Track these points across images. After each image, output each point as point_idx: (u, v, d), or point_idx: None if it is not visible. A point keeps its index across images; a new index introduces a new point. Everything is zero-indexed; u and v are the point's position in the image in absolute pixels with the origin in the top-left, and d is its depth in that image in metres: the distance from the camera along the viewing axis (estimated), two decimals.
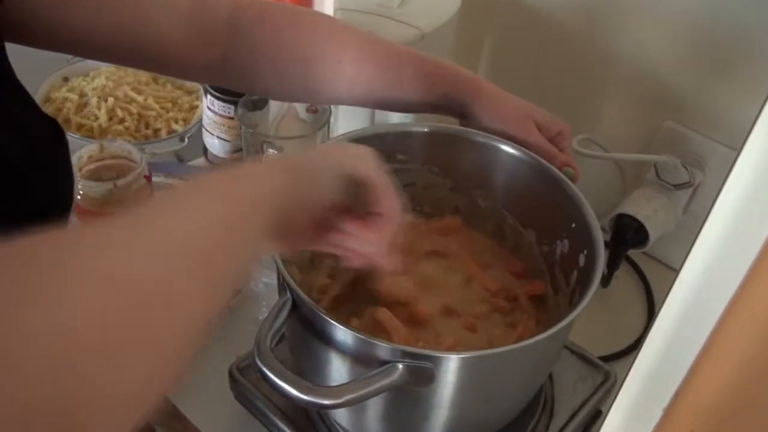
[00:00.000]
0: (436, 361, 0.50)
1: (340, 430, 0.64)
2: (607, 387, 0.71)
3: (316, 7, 1.12)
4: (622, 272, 0.89)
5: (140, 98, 1.11)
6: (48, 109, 1.09)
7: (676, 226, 0.82)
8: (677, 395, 0.28)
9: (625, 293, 0.88)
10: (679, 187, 0.78)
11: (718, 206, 0.25)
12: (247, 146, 0.89)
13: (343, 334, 0.52)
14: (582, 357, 0.73)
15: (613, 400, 0.32)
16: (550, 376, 0.71)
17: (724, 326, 0.26)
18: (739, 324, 0.26)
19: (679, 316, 0.28)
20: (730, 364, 0.26)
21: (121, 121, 1.09)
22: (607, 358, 0.77)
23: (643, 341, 0.83)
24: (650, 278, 0.89)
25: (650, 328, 0.86)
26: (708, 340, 0.26)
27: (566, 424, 0.68)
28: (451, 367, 0.51)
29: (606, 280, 0.84)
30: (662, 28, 0.79)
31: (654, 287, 0.88)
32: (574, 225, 0.63)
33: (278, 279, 0.60)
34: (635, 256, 0.90)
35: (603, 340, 0.80)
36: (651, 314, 0.85)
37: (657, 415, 0.30)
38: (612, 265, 0.81)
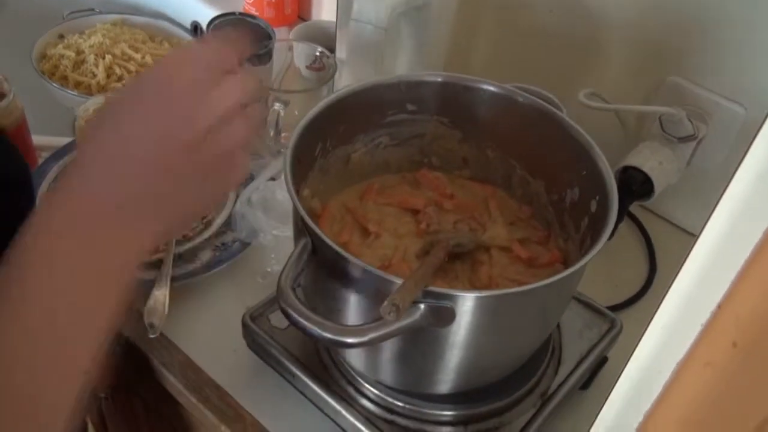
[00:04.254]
0: (455, 300, 0.51)
1: (353, 373, 0.65)
2: (612, 334, 0.72)
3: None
4: (624, 227, 0.90)
5: (138, 56, 1.10)
6: (44, 66, 1.08)
7: (679, 180, 0.83)
8: (720, 307, 0.29)
9: (626, 247, 0.89)
10: (683, 140, 0.79)
11: None
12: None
13: (364, 273, 0.52)
14: (588, 305, 0.74)
15: (650, 321, 0.33)
16: (558, 325, 0.72)
17: None
18: None
19: (724, 232, 0.28)
20: None
21: (120, 78, 1.08)
22: (610, 309, 0.79)
23: (646, 292, 0.84)
24: (651, 233, 0.90)
25: (652, 281, 0.87)
26: (754, 250, 0.27)
27: (574, 370, 0.69)
28: (469, 306, 0.52)
29: (610, 233, 0.85)
30: None
31: (655, 242, 0.89)
32: (584, 172, 0.64)
33: (295, 224, 0.61)
34: (637, 211, 0.91)
35: (606, 292, 0.82)
36: (652, 268, 0.87)
37: (696, 330, 0.31)
38: (618, 216, 0.81)
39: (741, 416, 0.31)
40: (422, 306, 0.51)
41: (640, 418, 0.34)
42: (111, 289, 0.42)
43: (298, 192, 0.65)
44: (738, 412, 0.31)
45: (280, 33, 1.06)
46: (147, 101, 0.44)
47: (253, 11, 1.13)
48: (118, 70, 1.08)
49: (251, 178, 0.87)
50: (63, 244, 0.40)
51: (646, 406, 0.34)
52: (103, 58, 1.08)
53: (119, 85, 1.06)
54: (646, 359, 0.33)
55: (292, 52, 0.94)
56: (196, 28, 1.21)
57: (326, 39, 0.96)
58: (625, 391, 0.34)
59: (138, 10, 1.24)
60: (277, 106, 0.83)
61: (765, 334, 0.28)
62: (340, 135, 0.69)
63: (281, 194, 0.82)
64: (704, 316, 0.30)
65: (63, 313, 0.39)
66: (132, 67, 1.09)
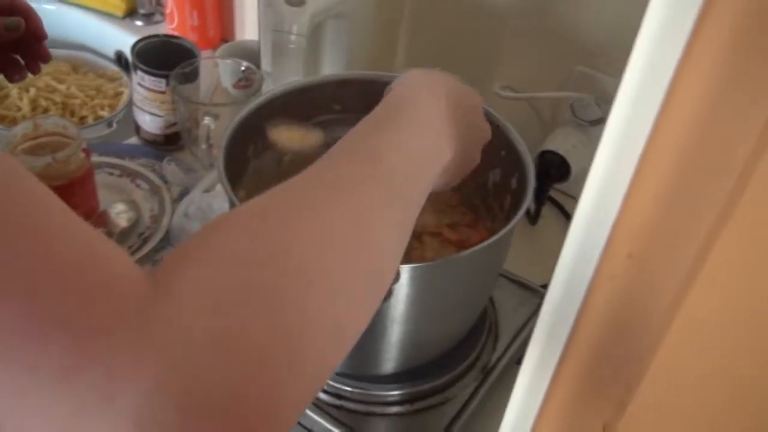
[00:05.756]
0: None
1: None
2: None
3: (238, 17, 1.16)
4: (549, 213, 0.95)
5: (62, 87, 1.11)
6: None
7: None
8: (614, 224, 0.33)
9: (552, 231, 0.94)
10: (593, 123, 0.85)
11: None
12: (181, 118, 0.90)
13: None
14: (520, 284, 0.79)
15: (563, 245, 0.37)
16: (493, 303, 0.76)
17: (648, 152, 0.31)
18: (665, 138, 0.31)
19: (611, 157, 0.32)
20: (656, 178, 0.31)
21: (45, 110, 1.08)
22: (542, 288, 0.83)
23: None
24: (573, 215, 0.95)
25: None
26: (635, 171, 0.31)
27: (510, 344, 0.73)
28: (405, 277, 0.55)
29: (534, 219, 0.90)
30: None
31: None
32: (503, 153, 0.68)
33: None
34: (560, 198, 0.97)
35: (536, 272, 0.86)
36: None
37: (598, 251, 0.35)
38: (539, 200, 0.86)
39: (642, 323, 0.35)
40: None
41: (564, 340, 0.38)
42: (431, 168, 0.48)
43: (235, 193, 0.67)
44: (638, 318, 0.35)
45: (206, 55, 1.08)
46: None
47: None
48: (43, 102, 1.08)
49: (186, 191, 0.89)
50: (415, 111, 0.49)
51: (567, 328, 0.38)
52: (27, 91, 1.08)
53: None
54: (562, 282, 0.37)
55: (219, 69, 0.96)
56: (119, 57, 1.22)
57: (251, 57, 0.99)
58: (549, 314, 0.38)
59: (60, 44, 1.24)
60: (207, 120, 0.85)
61: (653, 243, 0.32)
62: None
63: (217, 204, 0.84)
64: (604, 234, 0.34)
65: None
66: (57, 98, 1.09)
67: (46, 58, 0.79)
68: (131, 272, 0.29)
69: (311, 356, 0.32)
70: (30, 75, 1.09)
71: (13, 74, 0.79)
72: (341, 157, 0.42)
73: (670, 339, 0.34)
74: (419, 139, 0.47)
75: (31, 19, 0.73)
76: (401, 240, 0.42)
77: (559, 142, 0.84)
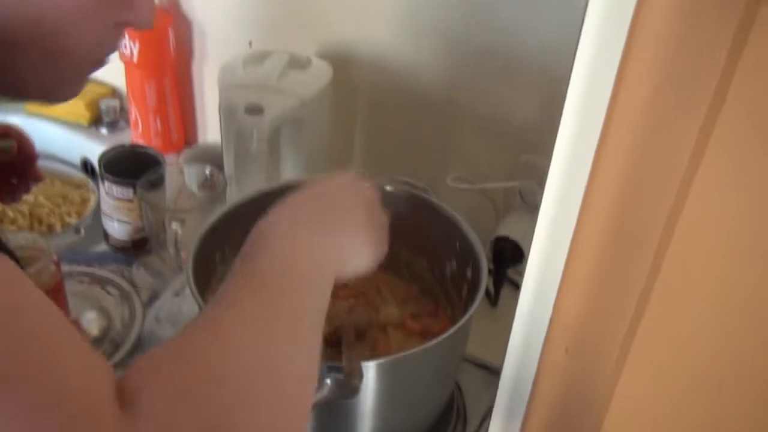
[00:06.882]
0: None
1: None
2: None
3: (197, 80, 1.20)
4: (508, 293, 0.99)
5: (30, 197, 1.13)
6: None
7: None
8: (551, 320, 0.37)
9: (512, 311, 0.97)
10: None
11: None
12: (149, 224, 0.93)
13: None
14: (484, 368, 0.81)
15: (508, 338, 0.40)
16: (460, 388, 0.78)
17: (572, 257, 0.35)
18: (588, 235, 0.35)
19: (544, 257, 0.36)
20: (583, 282, 0.35)
21: (13, 221, 1.10)
22: None
23: None
24: None
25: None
26: (564, 269, 0.35)
27: (479, 427, 0.75)
28: (372, 373, 0.58)
29: (494, 301, 0.93)
30: (507, 83, 0.92)
31: None
32: (458, 245, 0.72)
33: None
34: (518, 278, 1.01)
35: (498, 354, 0.89)
36: None
37: (539, 349, 0.38)
38: (497, 284, 0.90)
39: (584, 409, 0.38)
40: (329, 381, 0.56)
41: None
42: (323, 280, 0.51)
43: (204, 299, 0.70)
44: (580, 405, 0.38)
45: (170, 159, 1.12)
46: None
47: (141, 142, 1.19)
48: (11, 213, 1.10)
49: (155, 295, 0.91)
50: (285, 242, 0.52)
51: (520, 419, 0.41)
52: None
53: (13, 227, 1.09)
54: (508, 388, 0.40)
55: (183, 175, 1.00)
56: (85, 164, 1.26)
57: (215, 158, 1.03)
58: (501, 413, 0.41)
59: None
60: (174, 225, 0.88)
61: (586, 338, 0.36)
62: (237, 241, 0.75)
63: (187, 307, 0.86)
64: (542, 329, 0.37)
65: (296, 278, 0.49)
66: (25, 208, 1.11)
67: (39, 178, 0.82)
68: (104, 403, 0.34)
69: None
70: (24, 195, 1.12)
71: (4, 195, 0.82)
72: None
73: (610, 421, 0.37)
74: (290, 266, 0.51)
75: (23, 142, 0.77)
76: (304, 348, 0.45)
77: (511, 228, 0.89)
